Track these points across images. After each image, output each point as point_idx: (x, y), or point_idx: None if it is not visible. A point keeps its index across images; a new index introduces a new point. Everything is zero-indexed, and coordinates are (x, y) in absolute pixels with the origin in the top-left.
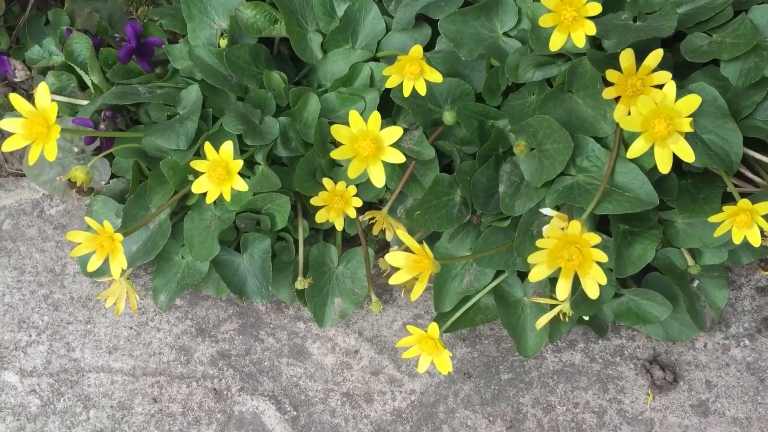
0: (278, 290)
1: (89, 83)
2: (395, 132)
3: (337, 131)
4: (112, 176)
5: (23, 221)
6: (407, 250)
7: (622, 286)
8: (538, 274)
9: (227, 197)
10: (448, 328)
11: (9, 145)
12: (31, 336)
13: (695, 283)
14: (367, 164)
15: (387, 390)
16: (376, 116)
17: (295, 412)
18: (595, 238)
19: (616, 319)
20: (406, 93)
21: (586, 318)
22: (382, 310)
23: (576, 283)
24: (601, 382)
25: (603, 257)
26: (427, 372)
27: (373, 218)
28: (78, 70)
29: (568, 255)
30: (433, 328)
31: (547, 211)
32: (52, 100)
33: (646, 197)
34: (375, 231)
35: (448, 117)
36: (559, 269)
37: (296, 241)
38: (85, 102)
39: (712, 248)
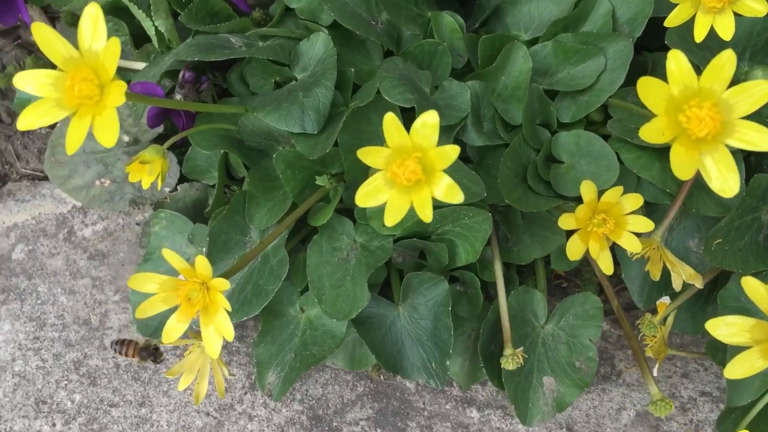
0: None
1: (151, 32)
2: (754, 90)
3: (646, 89)
4: (181, 179)
5: (43, 247)
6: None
7: None
8: None
9: (426, 215)
10: None
11: (28, 120)
12: (54, 425)
13: None
14: (699, 152)
15: None
16: (727, 61)
17: None
18: None
19: None
20: (699, 36)
21: None
22: (602, 392)
23: None
24: None
25: None
26: None
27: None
28: (134, 10)
29: None
30: None
31: None
32: (110, 37)
33: None
34: (654, 273)
35: (760, 77)
36: None
37: (484, 284)
38: (141, 65)
39: None
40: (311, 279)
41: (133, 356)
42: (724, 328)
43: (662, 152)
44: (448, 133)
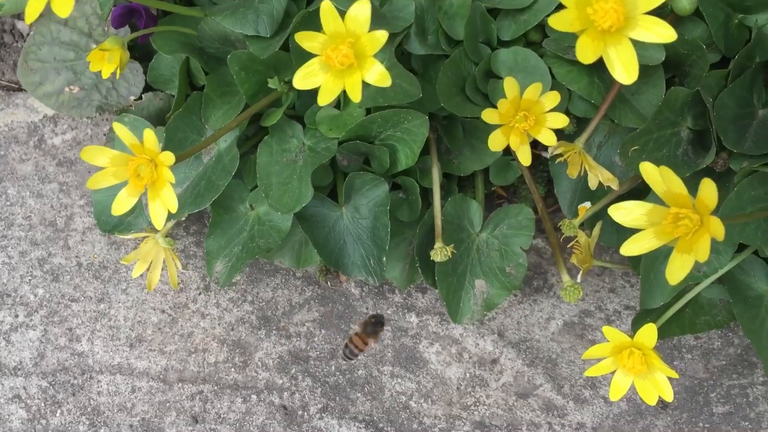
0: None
1: None
2: None
3: None
4: (146, 89)
5: (14, 153)
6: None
7: None
8: None
9: (355, 96)
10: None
11: None
12: (17, 317)
13: None
14: (605, 44)
15: (542, 421)
16: None
17: None
18: None
19: None
20: None
21: None
22: (533, 303)
23: None
24: None
25: None
26: (601, 397)
27: (561, 155)
28: None
29: None
30: (648, 333)
31: None
32: None
33: None
34: (572, 172)
35: (686, 2)
36: None
37: (423, 191)
38: None
39: None
40: (260, 176)
41: (364, 342)
42: (622, 211)
43: (590, 67)
44: (392, 40)
